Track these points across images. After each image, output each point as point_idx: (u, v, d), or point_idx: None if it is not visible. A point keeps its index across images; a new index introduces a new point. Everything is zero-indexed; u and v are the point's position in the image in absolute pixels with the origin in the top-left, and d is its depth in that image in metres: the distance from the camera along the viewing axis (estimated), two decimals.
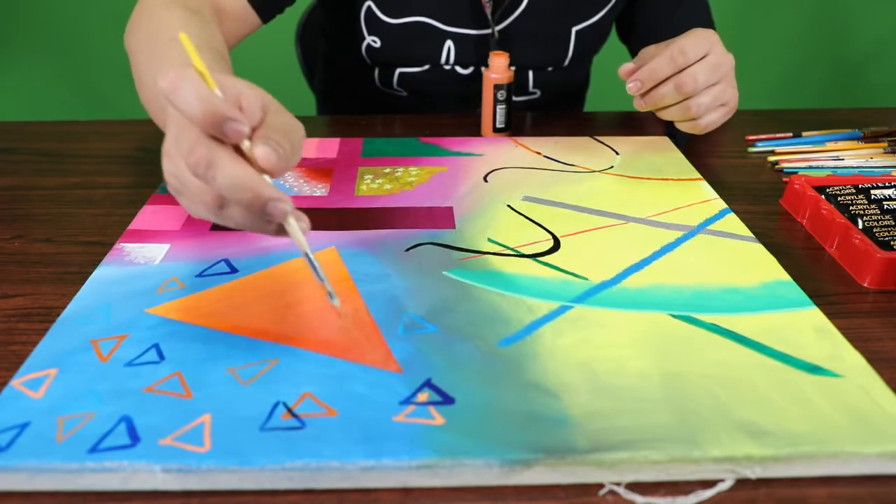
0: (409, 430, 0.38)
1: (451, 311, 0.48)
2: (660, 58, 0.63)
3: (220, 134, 0.38)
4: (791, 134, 0.80)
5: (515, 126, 0.82)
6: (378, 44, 0.86)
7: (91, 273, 0.52)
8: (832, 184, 0.63)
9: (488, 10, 0.82)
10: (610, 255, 0.55)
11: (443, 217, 0.60)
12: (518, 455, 0.36)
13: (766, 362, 0.43)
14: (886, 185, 0.62)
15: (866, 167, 0.72)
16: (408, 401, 0.40)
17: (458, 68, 0.87)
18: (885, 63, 2.08)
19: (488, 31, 0.84)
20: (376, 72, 0.90)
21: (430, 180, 0.67)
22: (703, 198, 0.64)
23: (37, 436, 0.37)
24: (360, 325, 0.46)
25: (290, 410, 0.39)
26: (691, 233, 0.58)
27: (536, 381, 0.42)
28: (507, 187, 0.66)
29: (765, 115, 0.87)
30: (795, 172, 0.71)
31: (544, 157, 0.72)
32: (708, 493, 0.36)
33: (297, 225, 0.40)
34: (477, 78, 0.85)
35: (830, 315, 0.48)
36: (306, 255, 0.42)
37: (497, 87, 0.75)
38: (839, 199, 0.61)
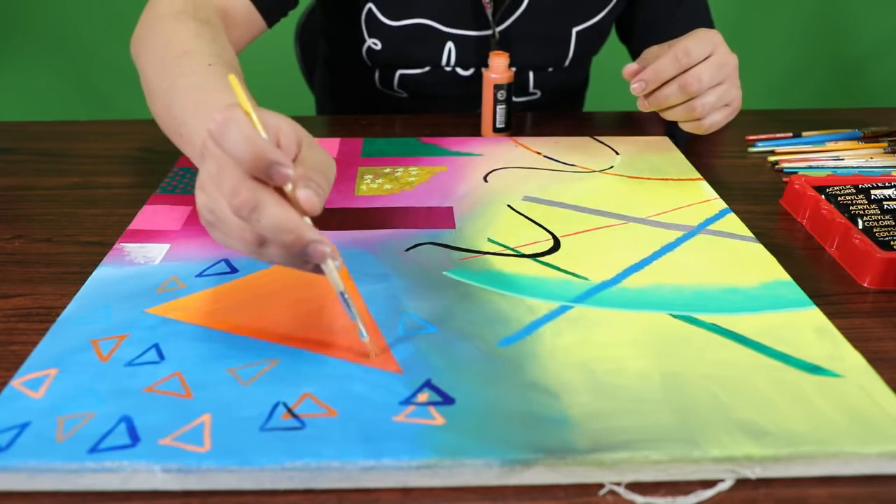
0: (409, 430, 0.38)
1: (451, 312, 0.48)
2: (664, 58, 0.63)
3: (265, 177, 0.38)
4: (791, 134, 0.80)
5: (515, 126, 0.82)
6: (379, 46, 0.86)
7: (91, 273, 0.52)
8: (832, 184, 0.63)
9: (489, 11, 0.82)
10: (610, 255, 0.55)
11: (443, 217, 0.60)
12: (518, 455, 0.36)
13: (766, 362, 0.43)
14: (886, 185, 0.62)
15: (866, 167, 0.72)
16: (408, 401, 0.40)
17: (458, 70, 0.87)
18: (885, 63, 2.08)
19: (489, 32, 0.84)
20: (376, 73, 0.90)
21: (430, 180, 0.67)
22: (703, 198, 0.64)
23: (37, 436, 0.37)
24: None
25: (290, 410, 0.39)
26: (691, 233, 0.58)
27: (536, 381, 0.42)
28: (508, 187, 0.66)
29: (765, 115, 0.87)
30: (795, 172, 0.71)
31: (544, 157, 0.72)
32: (708, 493, 0.36)
33: (333, 265, 0.41)
34: (477, 79, 0.85)
35: (830, 315, 0.48)
36: (341, 294, 0.42)
37: (497, 88, 0.75)
38: (839, 199, 0.61)
